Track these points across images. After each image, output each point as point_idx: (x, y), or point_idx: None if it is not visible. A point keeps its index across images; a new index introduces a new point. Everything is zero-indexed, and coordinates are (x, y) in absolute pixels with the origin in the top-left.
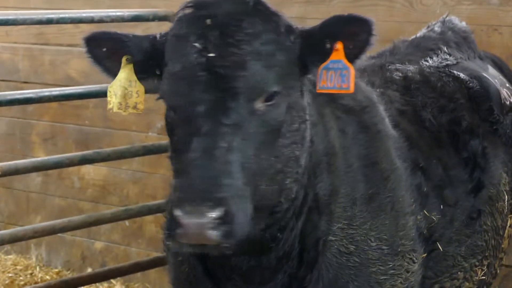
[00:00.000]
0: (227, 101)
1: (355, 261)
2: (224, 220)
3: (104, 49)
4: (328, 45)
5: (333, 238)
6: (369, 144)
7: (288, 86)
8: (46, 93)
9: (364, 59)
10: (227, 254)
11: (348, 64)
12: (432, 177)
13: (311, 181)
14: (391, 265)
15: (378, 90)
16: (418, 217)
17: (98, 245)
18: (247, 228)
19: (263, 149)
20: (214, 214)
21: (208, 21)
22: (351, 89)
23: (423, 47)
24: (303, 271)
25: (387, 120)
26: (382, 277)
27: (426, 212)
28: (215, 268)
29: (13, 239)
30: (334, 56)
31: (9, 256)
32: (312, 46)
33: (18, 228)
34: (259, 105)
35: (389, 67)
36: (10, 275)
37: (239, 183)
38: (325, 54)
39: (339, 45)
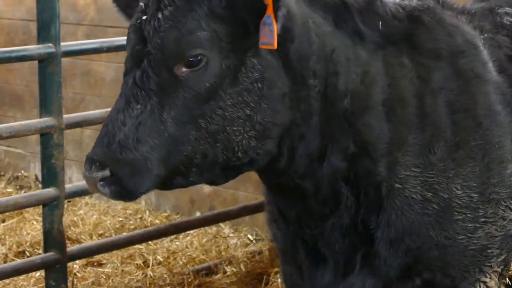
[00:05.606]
0: (145, 65)
1: (434, 208)
2: (111, 181)
3: None
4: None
5: (400, 186)
6: (462, 90)
7: (225, 49)
8: None
9: (470, 2)
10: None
11: (274, 20)
12: None
13: (337, 130)
14: (482, 213)
15: (486, 35)
16: None
17: (207, 189)
18: (143, 187)
19: (188, 113)
20: (99, 174)
21: None
22: (275, 45)
23: None
24: (364, 213)
25: (490, 65)
26: (470, 225)
27: None
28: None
29: None
30: (268, 11)
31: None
32: (249, 2)
33: None
34: (181, 70)
35: (499, 11)
36: (120, 219)
37: (140, 146)
38: (262, 8)
39: (268, 0)
